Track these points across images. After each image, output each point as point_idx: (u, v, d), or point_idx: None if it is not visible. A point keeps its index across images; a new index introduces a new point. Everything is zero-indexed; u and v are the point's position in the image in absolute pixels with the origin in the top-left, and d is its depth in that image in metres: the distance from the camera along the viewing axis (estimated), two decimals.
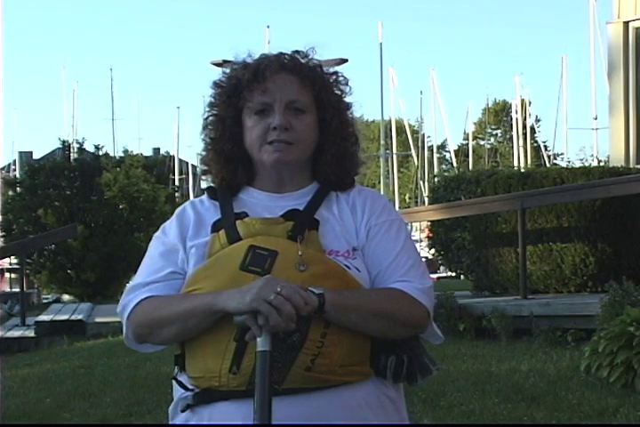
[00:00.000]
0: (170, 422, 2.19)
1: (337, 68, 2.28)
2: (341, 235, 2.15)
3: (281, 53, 2.23)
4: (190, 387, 2.11)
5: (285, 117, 2.17)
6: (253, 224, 2.13)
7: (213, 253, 2.12)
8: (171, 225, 2.24)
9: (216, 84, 2.27)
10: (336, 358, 2.04)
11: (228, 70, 2.27)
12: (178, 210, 2.28)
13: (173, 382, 2.17)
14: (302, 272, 2.04)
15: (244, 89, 2.20)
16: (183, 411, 2.13)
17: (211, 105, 2.27)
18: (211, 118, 2.27)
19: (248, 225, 2.13)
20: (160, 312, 2.09)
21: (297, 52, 2.24)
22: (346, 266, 2.10)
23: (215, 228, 2.16)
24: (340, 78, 2.27)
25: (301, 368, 2.01)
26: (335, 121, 2.23)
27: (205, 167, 2.29)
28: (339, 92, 2.26)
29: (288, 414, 2.00)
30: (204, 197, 2.28)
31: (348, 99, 2.28)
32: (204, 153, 2.29)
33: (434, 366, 2.15)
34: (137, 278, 2.19)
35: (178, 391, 2.16)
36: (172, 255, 2.18)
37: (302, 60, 2.23)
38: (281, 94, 2.18)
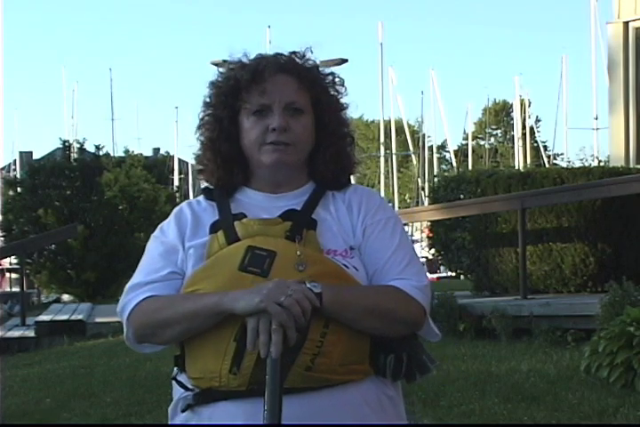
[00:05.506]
0: (170, 422, 2.19)
1: (337, 68, 2.27)
2: (339, 234, 2.15)
3: (278, 54, 2.22)
4: (190, 387, 2.11)
5: (284, 119, 2.16)
6: (251, 225, 2.13)
7: (212, 253, 2.12)
8: (169, 225, 2.24)
9: (213, 85, 2.25)
10: (336, 357, 2.03)
11: (223, 70, 2.25)
12: (175, 210, 2.27)
13: (173, 382, 2.17)
14: (301, 272, 2.04)
15: (242, 90, 2.19)
16: (184, 411, 2.12)
17: (207, 105, 2.26)
18: (207, 118, 2.25)
19: (246, 226, 2.13)
20: (163, 313, 2.08)
21: (294, 52, 2.23)
22: (344, 265, 2.10)
23: (214, 228, 2.16)
24: (337, 79, 2.26)
25: (302, 368, 2.01)
26: (333, 121, 2.23)
27: (201, 167, 2.28)
28: (335, 93, 2.26)
29: (288, 414, 1.98)
30: (201, 197, 2.28)
31: (343, 99, 2.27)
32: (199, 153, 2.27)
33: (432, 364, 2.15)
34: (136, 278, 2.18)
35: (178, 391, 2.15)
36: (172, 256, 2.17)
37: (300, 61, 2.22)
38: (280, 95, 2.17)
